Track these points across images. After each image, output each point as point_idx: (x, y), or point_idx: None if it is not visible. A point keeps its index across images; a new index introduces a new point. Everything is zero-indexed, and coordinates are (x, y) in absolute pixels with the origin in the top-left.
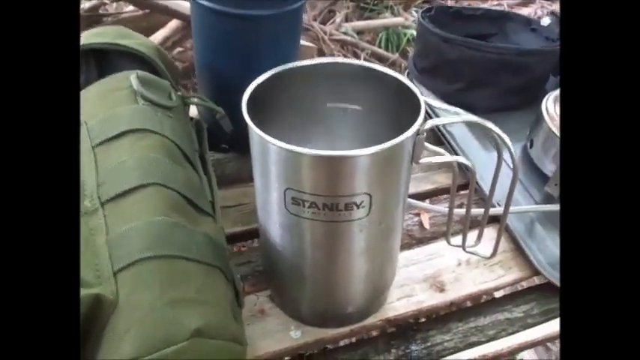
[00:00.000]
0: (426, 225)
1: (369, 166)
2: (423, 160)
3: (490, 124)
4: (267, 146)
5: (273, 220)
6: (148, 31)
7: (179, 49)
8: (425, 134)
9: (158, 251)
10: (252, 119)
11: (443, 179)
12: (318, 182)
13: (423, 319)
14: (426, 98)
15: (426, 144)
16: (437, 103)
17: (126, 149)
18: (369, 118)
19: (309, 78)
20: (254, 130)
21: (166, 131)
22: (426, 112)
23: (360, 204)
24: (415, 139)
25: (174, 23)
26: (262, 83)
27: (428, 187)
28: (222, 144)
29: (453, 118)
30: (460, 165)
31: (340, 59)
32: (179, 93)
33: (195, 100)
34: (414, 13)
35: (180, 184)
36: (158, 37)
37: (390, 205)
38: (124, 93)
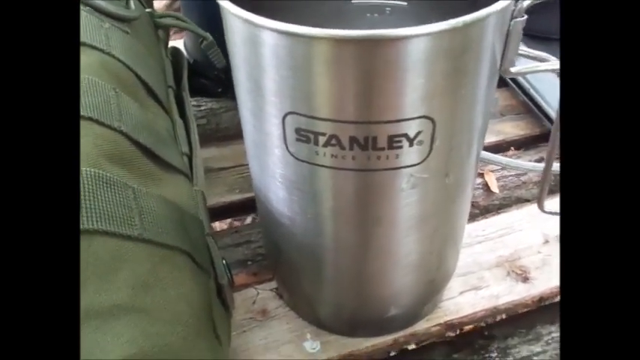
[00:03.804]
0: (494, 188)
1: (432, 64)
2: (517, 70)
3: None
4: (253, 35)
5: (272, 175)
6: None
7: None
8: (525, 18)
9: None
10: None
11: (510, 129)
12: (342, 95)
13: (499, 321)
14: None
15: (523, 48)
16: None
17: None
18: (421, 21)
19: None
20: (229, 9)
21: (116, 50)
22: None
23: (415, 137)
24: (510, 24)
25: None
26: None
27: (491, 138)
28: (217, 87)
29: None
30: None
31: None
32: (148, 10)
33: (172, 20)
34: None
35: (133, 124)
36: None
37: (463, 144)
38: None
